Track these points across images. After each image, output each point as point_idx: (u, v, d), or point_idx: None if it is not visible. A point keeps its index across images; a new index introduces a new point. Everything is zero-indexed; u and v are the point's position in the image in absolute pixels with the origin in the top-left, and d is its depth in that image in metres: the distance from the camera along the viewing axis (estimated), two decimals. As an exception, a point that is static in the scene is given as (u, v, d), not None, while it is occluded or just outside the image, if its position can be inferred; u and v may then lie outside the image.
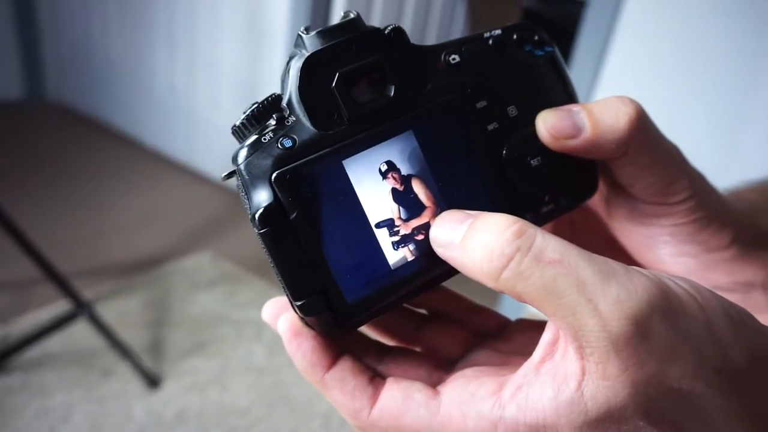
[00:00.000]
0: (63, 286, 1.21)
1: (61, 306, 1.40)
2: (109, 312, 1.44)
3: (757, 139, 1.20)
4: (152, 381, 1.30)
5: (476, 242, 0.20)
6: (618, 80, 1.34)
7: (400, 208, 0.23)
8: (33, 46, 2.69)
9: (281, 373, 1.40)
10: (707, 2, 1.21)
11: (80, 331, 1.37)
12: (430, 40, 2.19)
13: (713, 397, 0.18)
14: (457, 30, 2.29)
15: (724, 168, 1.18)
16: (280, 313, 0.24)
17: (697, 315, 0.18)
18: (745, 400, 0.18)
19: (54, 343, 1.34)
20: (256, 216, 0.21)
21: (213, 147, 2.26)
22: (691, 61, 1.26)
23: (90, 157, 2.36)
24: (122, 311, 1.51)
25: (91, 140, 2.52)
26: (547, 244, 0.19)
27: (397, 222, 0.23)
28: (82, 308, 1.24)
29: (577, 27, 1.40)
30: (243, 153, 0.22)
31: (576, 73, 1.39)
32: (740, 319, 0.19)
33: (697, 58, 1.25)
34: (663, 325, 0.18)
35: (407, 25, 2.07)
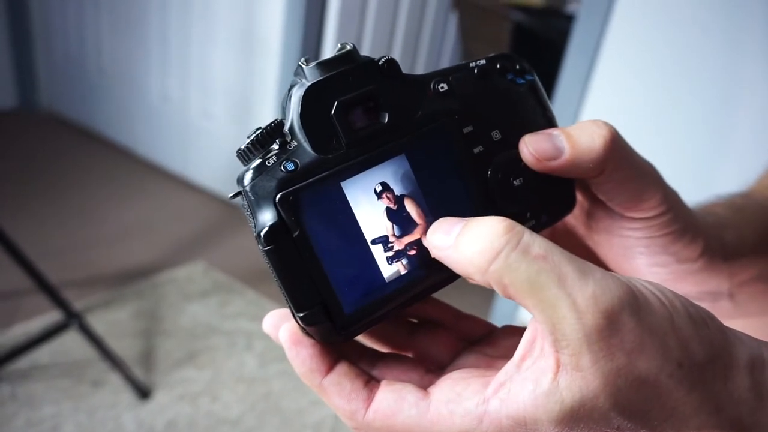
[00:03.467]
0: (53, 296, 1.21)
1: (51, 316, 1.40)
2: (99, 322, 1.44)
3: (741, 147, 1.23)
4: (143, 392, 1.29)
5: (468, 239, 0.21)
6: (606, 93, 1.38)
7: (394, 225, 0.25)
8: (26, 55, 2.69)
9: (272, 383, 1.40)
10: (692, 18, 1.24)
11: (70, 342, 1.37)
12: (422, 55, 2.22)
13: (677, 389, 0.20)
14: (449, 44, 2.33)
15: (708, 176, 1.21)
16: (280, 324, 0.26)
17: (661, 312, 0.20)
18: (706, 393, 0.20)
19: (43, 354, 1.34)
20: (262, 234, 0.23)
21: (206, 157, 2.27)
22: (676, 73, 1.29)
23: (82, 166, 2.36)
24: (113, 321, 1.51)
25: (83, 150, 2.52)
26: (534, 240, 0.20)
27: (391, 238, 0.24)
28: (72, 318, 1.24)
29: (566, 41, 1.43)
30: (249, 175, 0.23)
31: (565, 85, 1.42)
32: (701, 318, 0.21)
33: (682, 70, 1.28)
34: (632, 320, 0.19)
35: (399, 41, 2.10)
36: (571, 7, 2.66)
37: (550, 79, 1.53)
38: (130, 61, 2.43)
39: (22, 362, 1.29)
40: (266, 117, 2.03)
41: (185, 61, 2.24)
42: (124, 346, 1.40)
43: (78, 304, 1.42)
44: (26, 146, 2.46)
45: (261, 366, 1.45)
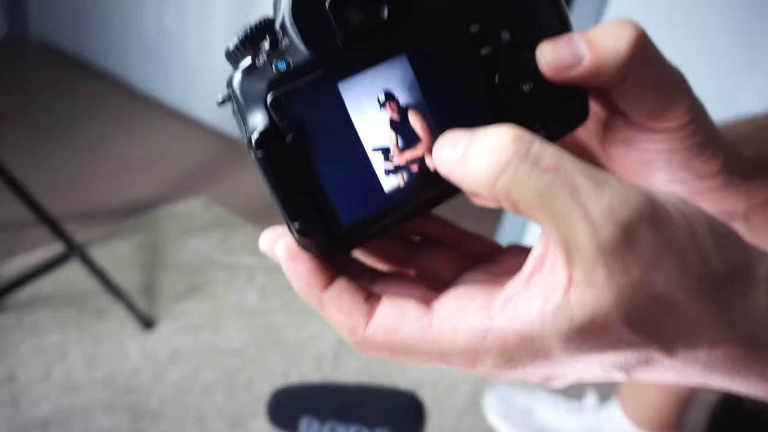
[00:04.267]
0: (54, 228, 1.21)
1: (52, 249, 1.41)
2: (101, 255, 1.44)
3: (763, 77, 1.19)
4: (146, 322, 1.32)
5: (475, 153, 0.20)
6: (627, 5, 1.31)
7: (398, 137, 0.23)
8: (14, -20, 2.58)
9: (274, 316, 1.42)
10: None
11: (72, 274, 1.38)
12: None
13: (694, 304, 0.19)
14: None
15: (728, 106, 1.18)
16: (276, 241, 0.24)
17: (682, 225, 0.19)
18: (723, 307, 0.19)
19: (47, 284, 1.35)
20: (252, 139, 0.21)
21: (205, 90, 2.22)
22: (684, 42, 1.23)
23: (78, 98, 2.31)
24: (115, 254, 1.52)
25: (78, 81, 2.46)
26: (544, 150, 0.19)
27: (393, 150, 0.23)
28: (74, 250, 1.25)
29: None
30: (237, 77, 0.22)
31: (577, 17, 1.36)
32: (723, 232, 0.20)
33: (690, 38, 1.22)
34: (650, 234, 0.18)
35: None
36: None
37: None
38: (124, -11, 2.33)
39: (26, 293, 1.31)
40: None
41: (181, -12, 2.14)
42: (126, 279, 1.42)
43: (79, 237, 1.42)
44: (18, 77, 2.40)
45: (262, 299, 1.47)
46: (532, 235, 1.56)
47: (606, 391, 1.28)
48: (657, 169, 0.27)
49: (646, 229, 0.18)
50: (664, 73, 0.24)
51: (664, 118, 0.25)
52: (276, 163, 0.21)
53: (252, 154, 0.22)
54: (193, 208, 1.78)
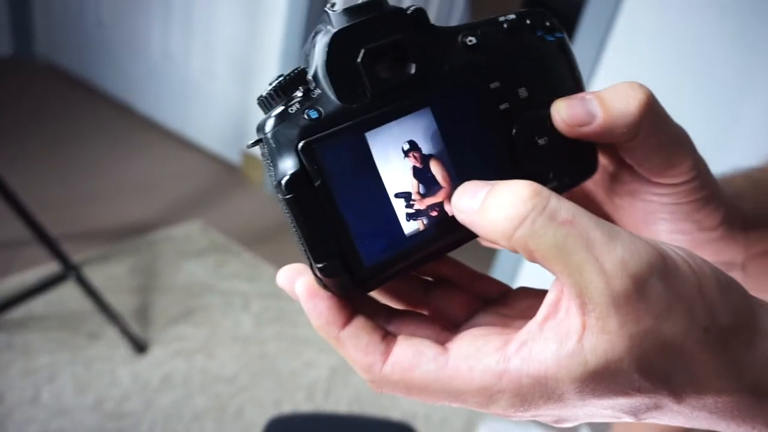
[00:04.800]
0: (51, 247, 1.20)
1: (48, 268, 1.40)
2: (96, 276, 1.44)
3: (756, 125, 1.22)
4: (139, 346, 1.31)
5: (494, 204, 0.21)
6: (617, 69, 1.36)
7: (420, 184, 0.24)
8: (22, 1, 2.62)
9: (267, 344, 1.41)
10: (708, -1, 1.22)
11: (67, 295, 1.37)
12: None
13: (701, 353, 0.20)
14: (458, 12, 2.28)
15: (720, 153, 1.20)
16: (295, 278, 0.25)
17: (690, 278, 0.20)
18: (730, 357, 0.20)
19: (39, 305, 1.34)
20: (283, 182, 0.22)
21: (207, 116, 2.24)
22: (690, 51, 1.27)
23: (80, 119, 2.33)
24: (110, 276, 1.51)
25: (81, 102, 2.48)
26: (561, 205, 0.20)
27: (415, 196, 0.24)
28: (70, 270, 1.24)
29: (579, 14, 1.40)
30: (270, 122, 0.23)
31: (577, 60, 1.40)
32: (728, 284, 0.21)
33: (696, 49, 1.26)
34: (660, 285, 0.19)
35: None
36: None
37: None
38: (131, 15, 2.37)
39: (18, 312, 1.30)
40: (269, 77, 2.00)
41: (188, 17, 2.19)
42: (120, 301, 1.41)
43: (75, 258, 1.42)
44: (22, 96, 2.42)
45: (256, 326, 1.46)
46: (527, 269, 1.57)
47: (600, 427, 1.27)
48: (661, 221, 0.29)
49: (656, 281, 0.19)
50: (670, 133, 0.26)
51: (669, 174, 0.26)
52: (303, 206, 0.22)
53: (280, 197, 0.23)
54: (190, 232, 1.78)
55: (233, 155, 2.20)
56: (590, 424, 1.28)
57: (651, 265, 0.19)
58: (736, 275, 0.32)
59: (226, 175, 2.16)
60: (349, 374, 1.35)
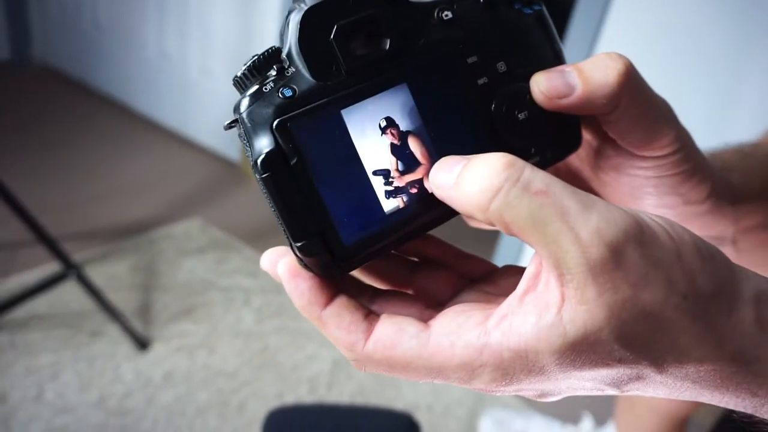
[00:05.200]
0: (52, 247, 1.21)
1: (49, 268, 1.41)
2: (97, 275, 1.44)
3: (750, 108, 1.21)
4: (141, 343, 1.31)
5: (469, 178, 0.21)
6: (615, 48, 1.35)
7: (398, 161, 0.24)
8: (18, 4, 2.62)
9: (269, 338, 1.42)
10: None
11: (68, 294, 1.38)
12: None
13: (680, 321, 0.19)
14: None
15: (717, 136, 1.20)
16: (278, 260, 0.25)
17: (668, 245, 0.20)
18: (710, 324, 0.20)
19: (41, 304, 1.35)
20: (258, 161, 0.22)
21: (204, 114, 2.24)
22: (684, 35, 1.26)
23: (78, 120, 2.33)
24: (111, 275, 1.52)
25: (79, 104, 2.48)
26: (535, 176, 0.20)
27: (394, 173, 0.24)
28: (70, 269, 1.24)
29: (573, 3, 1.40)
30: (245, 102, 0.23)
31: (572, 43, 1.39)
32: (709, 253, 0.21)
33: (691, 29, 1.25)
34: (636, 253, 0.19)
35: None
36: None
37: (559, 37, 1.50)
38: (127, 15, 2.37)
39: (21, 312, 1.31)
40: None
41: (184, 15, 2.18)
42: (121, 299, 1.42)
43: (76, 257, 1.42)
44: (20, 99, 2.42)
45: (258, 321, 1.46)
46: (528, 256, 1.57)
47: (602, 415, 1.27)
48: (647, 195, 0.28)
49: (632, 249, 0.19)
50: (651, 104, 0.26)
51: (652, 147, 0.26)
52: (280, 185, 0.22)
53: (257, 176, 0.23)
54: (190, 229, 1.78)
55: (232, 152, 2.20)
56: (593, 409, 1.28)
57: (627, 233, 0.19)
58: (727, 250, 0.31)
59: (225, 172, 2.16)
60: (351, 367, 1.35)
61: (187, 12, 2.17)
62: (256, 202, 1.99)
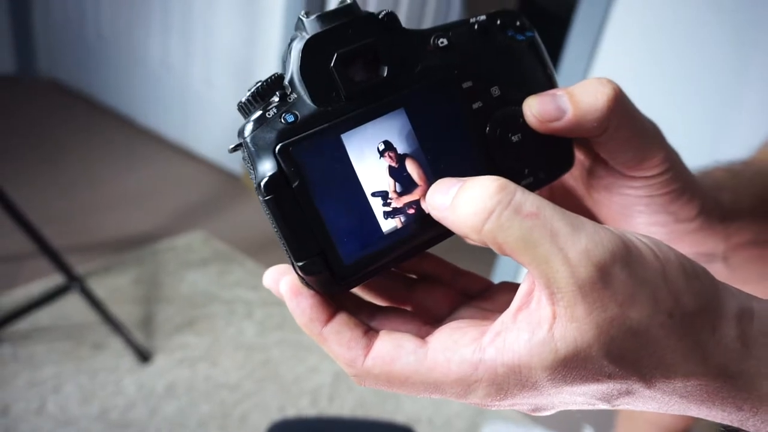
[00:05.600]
0: (55, 259, 1.22)
1: (52, 280, 1.41)
2: (100, 288, 1.45)
3: (748, 121, 1.22)
4: (143, 355, 1.31)
5: (463, 200, 0.22)
6: (611, 67, 1.36)
7: (396, 183, 0.25)
8: (24, 20, 2.65)
9: (271, 351, 1.42)
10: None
11: (71, 307, 1.38)
12: (427, 23, 2.19)
13: (667, 338, 0.20)
14: (454, 16, 2.29)
15: (713, 150, 1.21)
16: (280, 279, 0.26)
17: (654, 265, 0.21)
18: (695, 341, 0.21)
19: (44, 317, 1.35)
20: (262, 184, 0.23)
21: (207, 126, 2.26)
22: (683, 48, 1.28)
23: (83, 132, 2.35)
24: (113, 287, 1.52)
25: (83, 117, 2.50)
26: (526, 198, 0.21)
27: (391, 194, 0.25)
28: (73, 282, 1.25)
29: (573, 14, 1.41)
30: (249, 127, 0.24)
31: (570, 60, 1.41)
32: (694, 271, 0.21)
33: (687, 46, 1.27)
34: (623, 273, 0.20)
35: (404, 12, 2.07)
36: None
37: (555, 53, 1.51)
38: (131, 28, 2.40)
39: (24, 324, 1.31)
40: (268, 87, 2.01)
41: (187, 28, 2.21)
42: (124, 311, 1.42)
43: (79, 269, 1.43)
44: (25, 112, 2.44)
45: (260, 334, 1.47)
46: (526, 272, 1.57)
47: (603, 428, 1.27)
48: (638, 213, 0.29)
49: (619, 269, 0.20)
50: (640, 126, 0.27)
51: (642, 167, 0.27)
52: (282, 207, 0.23)
53: (260, 198, 0.23)
54: (192, 241, 1.79)
55: (234, 164, 2.22)
56: (593, 423, 1.28)
57: (614, 253, 0.20)
58: (718, 267, 0.32)
59: (227, 184, 2.18)
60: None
61: (190, 25, 2.19)
62: (258, 215, 2.00)
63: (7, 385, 1.20)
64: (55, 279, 1.35)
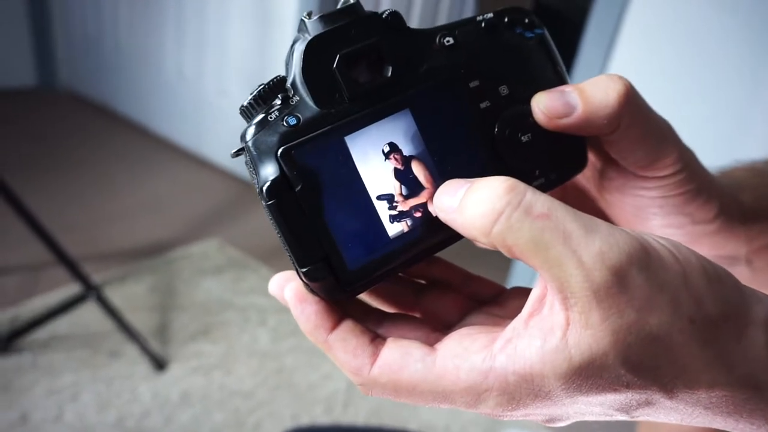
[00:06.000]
0: (72, 268, 1.23)
1: (70, 289, 1.43)
2: (116, 296, 1.46)
3: (765, 126, 1.20)
4: (159, 363, 1.32)
5: (471, 202, 0.21)
6: (625, 71, 1.35)
7: (402, 186, 0.24)
8: (45, 34, 2.71)
9: (285, 358, 1.42)
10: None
11: (88, 315, 1.40)
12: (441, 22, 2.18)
13: (688, 345, 0.19)
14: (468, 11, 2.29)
15: (730, 155, 1.18)
16: (285, 285, 0.25)
17: (674, 268, 0.19)
18: (719, 349, 0.19)
19: (62, 325, 1.37)
20: (264, 188, 0.22)
21: (221, 134, 2.28)
22: (697, 52, 1.26)
23: (100, 143, 2.39)
24: (129, 295, 1.53)
25: (101, 127, 2.54)
26: (537, 199, 0.20)
27: (397, 198, 0.24)
28: (90, 290, 1.26)
29: (586, 18, 1.40)
30: (251, 131, 0.23)
31: (584, 64, 1.39)
32: (716, 275, 0.20)
33: (703, 49, 1.25)
34: (640, 277, 0.19)
35: (417, 13, 2.07)
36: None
37: (569, 57, 1.50)
38: (147, 40, 2.43)
39: (42, 332, 1.33)
40: (281, 95, 2.02)
41: (201, 38, 2.24)
42: (140, 319, 1.43)
43: (95, 278, 1.44)
44: (46, 123, 2.49)
45: (274, 341, 1.47)
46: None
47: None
48: (652, 215, 0.28)
49: (636, 273, 0.19)
50: (652, 125, 0.26)
51: (654, 167, 0.26)
52: (285, 211, 0.22)
53: (263, 203, 0.23)
54: (207, 249, 1.80)
55: (247, 172, 2.23)
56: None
57: (631, 256, 0.19)
58: (741, 270, 0.31)
59: (241, 191, 2.19)
60: (367, 386, 1.34)
61: (205, 35, 2.22)
62: (263, 209, 2.01)
63: (26, 393, 1.21)
64: (73, 288, 1.37)
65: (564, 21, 2.37)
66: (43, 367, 1.28)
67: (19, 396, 1.21)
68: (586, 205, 0.32)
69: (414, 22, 2.07)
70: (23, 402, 1.19)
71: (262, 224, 1.97)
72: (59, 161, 2.16)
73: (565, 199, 0.32)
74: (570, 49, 1.49)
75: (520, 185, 0.20)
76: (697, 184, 0.27)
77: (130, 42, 2.51)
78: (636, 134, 0.25)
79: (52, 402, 1.21)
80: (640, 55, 1.33)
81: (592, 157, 0.29)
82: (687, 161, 0.26)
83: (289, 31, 1.96)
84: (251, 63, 2.12)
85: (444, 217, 0.23)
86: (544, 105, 0.25)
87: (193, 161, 2.36)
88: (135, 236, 1.80)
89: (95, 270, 1.54)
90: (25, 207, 1.16)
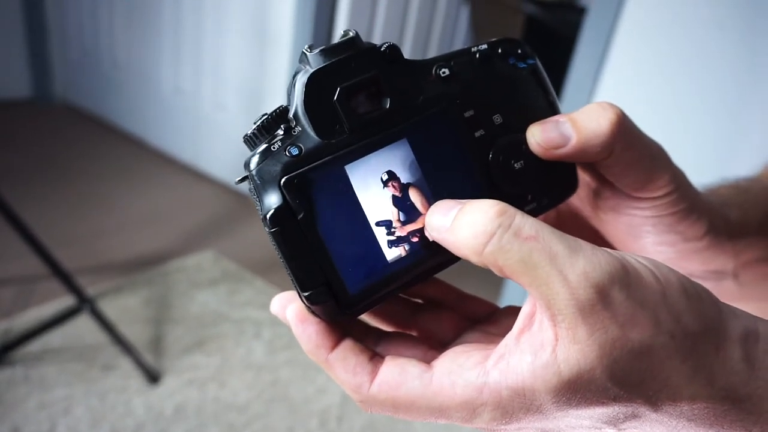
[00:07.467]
0: (66, 281, 1.23)
1: (63, 302, 1.43)
2: (110, 308, 1.46)
3: (756, 142, 1.22)
4: (152, 376, 1.32)
5: (464, 222, 0.22)
6: (617, 86, 1.37)
7: (400, 212, 0.25)
8: (41, 46, 2.71)
9: (279, 371, 1.42)
10: (705, 11, 1.23)
11: (82, 327, 1.39)
12: (433, 48, 2.21)
13: (669, 359, 0.20)
14: (460, 38, 2.32)
15: (723, 170, 1.20)
16: (287, 305, 0.26)
17: (653, 286, 0.21)
18: (699, 363, 0.21)
19: (56, 338, 1.36)
20: (267, 217, 0.23)
21: (217, 148, 2.28)
22: (689, 67, 1.28)
23: (95, 156, 2.39)
24: (124, 308, 1.53)
25: (96, 140, 2.54)
26: (525, 222, 0.21)
27: (395, 224, 0.25)
28: (84, 303, 1.26)
29: (578, 34, 1.42)
30: (255, 160, 0.24)
31: (576, 79, 1.41)
32: (695, 292, 0.21)
33: (695, 64, 1.27)
34: (622, 294, 0.20)
35: (410, 35, 2.10)
36: (583, 0, 2.63)
37: (561, 73, 1.52)
38: (144, 53, 2.45)
39: (36, 345, 1.32)
40: (277, 108, 2.04)
41: (198, 53, 2.25)
42: (134, 332, 1.43)
43: (90, 290, 1.44)
44: (41, 136, 2.49)
45: (269, 354, 1.47)
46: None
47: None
48: (645, 233, 0.29)
49: (618, 290, 0.20)
50: (644, 149, 0.27)
51: (647, 189, 0.27)
52: (288, 238, 0.24)
53: (266, 230, 0.24)
54: (202, 262, 1.80)
55: (242, 185, 2.23)
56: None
57: (612, 275, 0.20)
58: (728, 284, 0.32)
59: (237, 204, 2.19)
60: (361, 400, 1.34)
61: (202, 50, 2.23)
62: (267, 235, 2.01)
63: (18, 407, 1.21)
64: (67, 300, 1.37)
65: (556, 38, 2.40)
66: (35, 380, 1.27)
67: (11, 410, 1.20)
68: (580, 224, 0.33)
69: (407, 42, 2.09)
70: (14, 416, 1.19)
71: (258, 237, 1.98)
72: (54, 174, 2.16)
73: (559, 219, 0.33)
74: (561, 65, 1.51)
75: (510, 209, 0.22)
76: (688, 204, 0.28)
77: (127, 55, 2.52)
78: (629, 158, 0.26)
79: (44, 416, 1.20)
80: (631, 72, 1.36)
81: (587, 177, 0.30)
82: (679, 182, 0.28)
83: (286, 46, 1.98)
84: (248, 78, 2.13)
85: (435, 236, 0.24)
86: (539, 137, 0.27)
87: (190, 174, 2.37)
88: (130, 248, 1.80)
89: (90, 282, 1.54)
90: (20, 219, 1.17)
